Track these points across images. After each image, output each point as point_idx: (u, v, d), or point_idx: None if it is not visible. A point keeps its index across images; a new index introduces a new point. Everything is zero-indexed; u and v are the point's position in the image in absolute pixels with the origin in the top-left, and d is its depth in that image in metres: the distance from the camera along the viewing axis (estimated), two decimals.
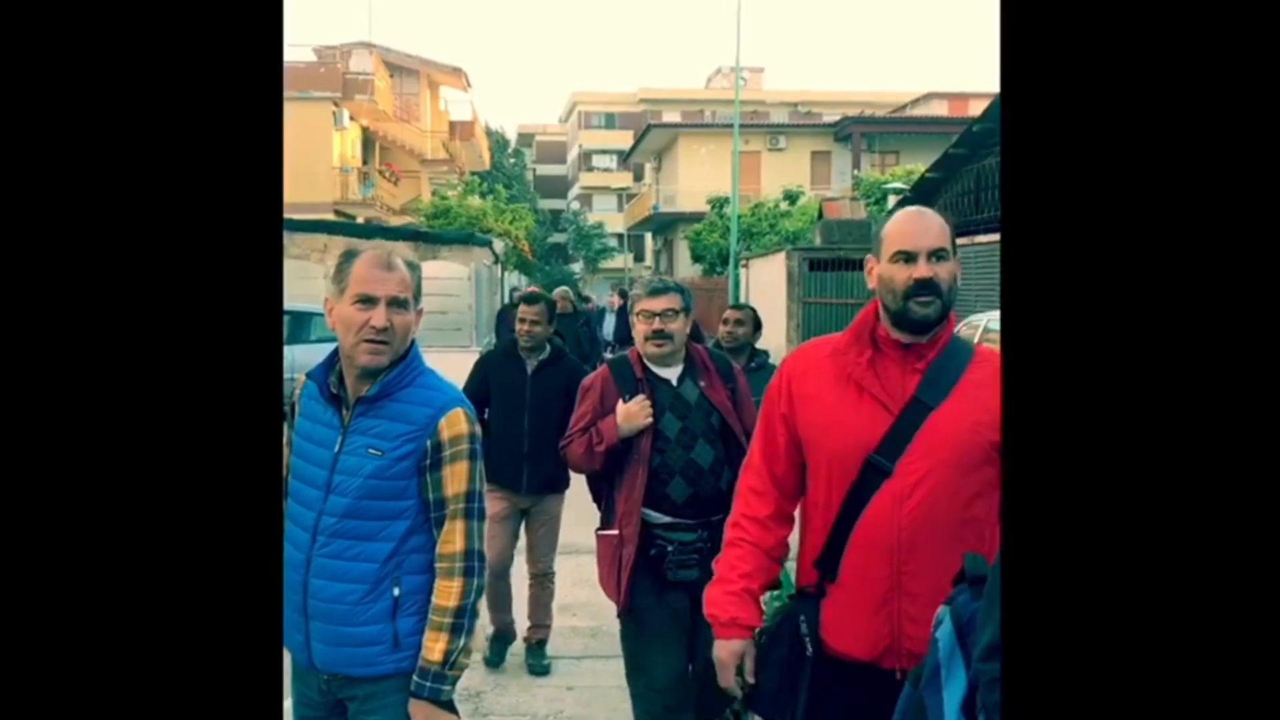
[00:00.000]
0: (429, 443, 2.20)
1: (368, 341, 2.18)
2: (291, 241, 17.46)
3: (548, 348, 4.74)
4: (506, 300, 10.08)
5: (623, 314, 14.72)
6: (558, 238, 54.63)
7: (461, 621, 2.18)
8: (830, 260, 15.95)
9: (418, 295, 2.30)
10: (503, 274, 21.06)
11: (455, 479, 2.21)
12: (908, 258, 2.06)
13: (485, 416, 4.67)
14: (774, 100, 45.96)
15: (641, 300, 3.32)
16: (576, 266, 52.80)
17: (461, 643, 2.18)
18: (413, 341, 2.31)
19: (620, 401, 3.27)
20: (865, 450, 2.05)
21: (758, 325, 5.22)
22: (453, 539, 2.20)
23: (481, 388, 4.72)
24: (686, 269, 31.98)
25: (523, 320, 4.68)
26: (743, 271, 20.39)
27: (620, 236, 49.68)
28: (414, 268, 2.32)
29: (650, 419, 3.21)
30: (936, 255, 2.06)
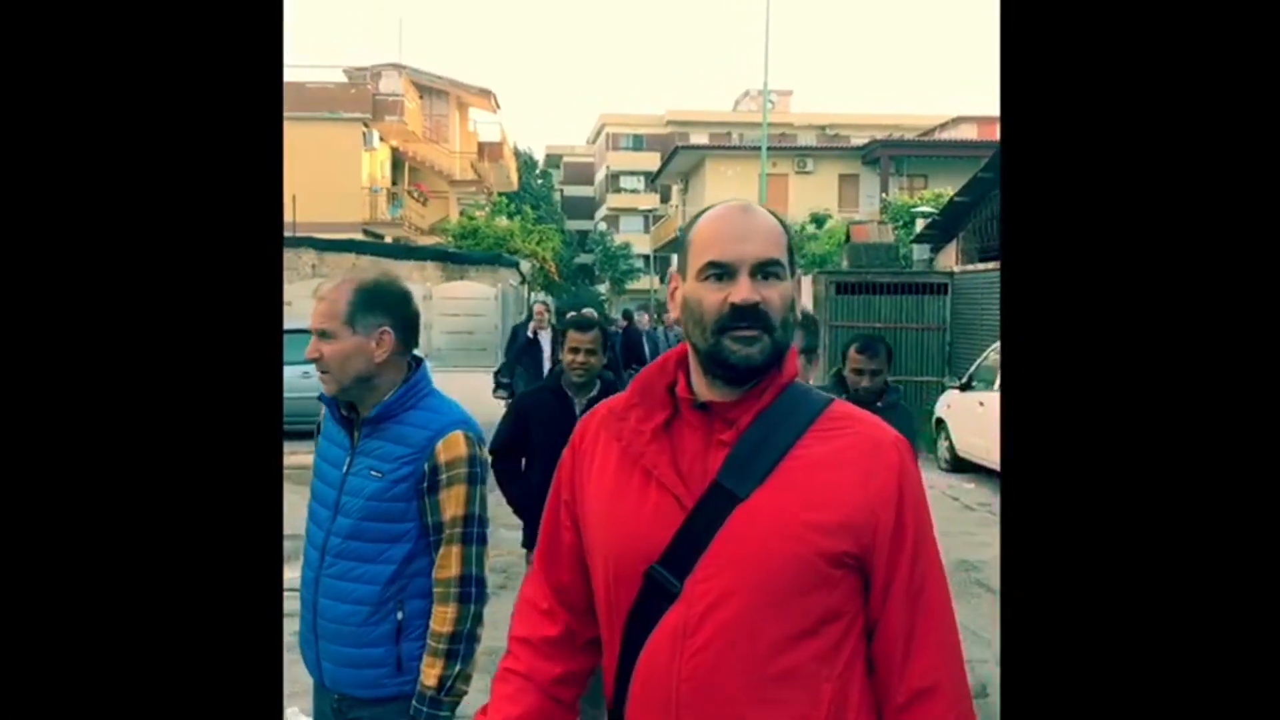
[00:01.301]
0: (426, 466, 2.19)
1: (320, 372, 2.23)
2: (321, 261, 17.59)
3: (598, 383, 4.02)
4: (524, 315, 9.80)
5: (651, 336, 14.75)
6: (584, 258, 54.88)
7: (457, 648, 2.17)
8: (858, 284, 15.88)
9: (354, 316, 2.20)
10: (529, 294, 21.14)
11: (452, 503, 2.18)
12: (722, 273, 1.42)
13: (525, 468, 4.06)
14: (802, 123, 46.02)
15: None
16: (602, 287, 52.95)
17: (458, 669, 2.17)
18: (419, 362, 2.31)
19: None
20: (647, 559, 1.42)
21: (889, 356, 4.13)
22: (448, 564, 2.19)
23: (519, 434, 4.02)
24: None
25: (575, 350, 3.92)
26: None
27: (646, 257, 49.82)
28: (363, 291, 2.23)
29: None
30: (764, 270, 1.42)
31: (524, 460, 4.05)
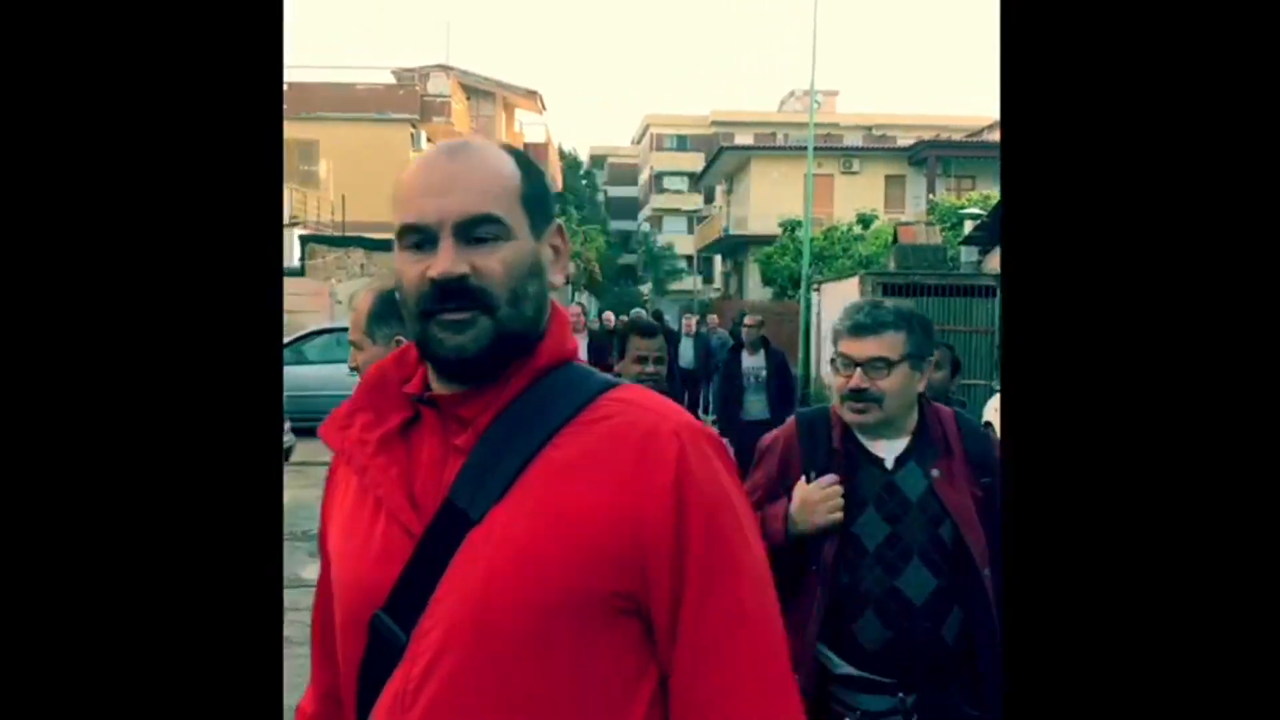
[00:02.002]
0: None
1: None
2: (370, 260, 17.76)
3: None
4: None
5: (700, 340, 14.33)
6: (628, 259, 54.89)
7: None
8: (905, 286, 15.72)
9: (373, 327, 2.28)
10: (573, 295, 21.18)
11: None
12: (421, 239, 1.10)
13: None
14: (848, 123, 45.68)
15: (842, 340, 2.23)
16: (645, 288, 52.96)
17: None
18: None
19: (803, 480, 2.20)
20: (372, 605, 1.10)
21: (956, 367, 3.85)
22: None
23: None
24: (757, 292, 31.84)
25: (642, 359, 3.39)
26: (814, 296, 20.22)
27: (690, 258, 49.72)
28: (379, 301, 2.30)
29: (838, 515, 2.12)
30: (473, 232, 1.08)
31: None
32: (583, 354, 8.61)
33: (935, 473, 2.16)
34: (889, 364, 2.16)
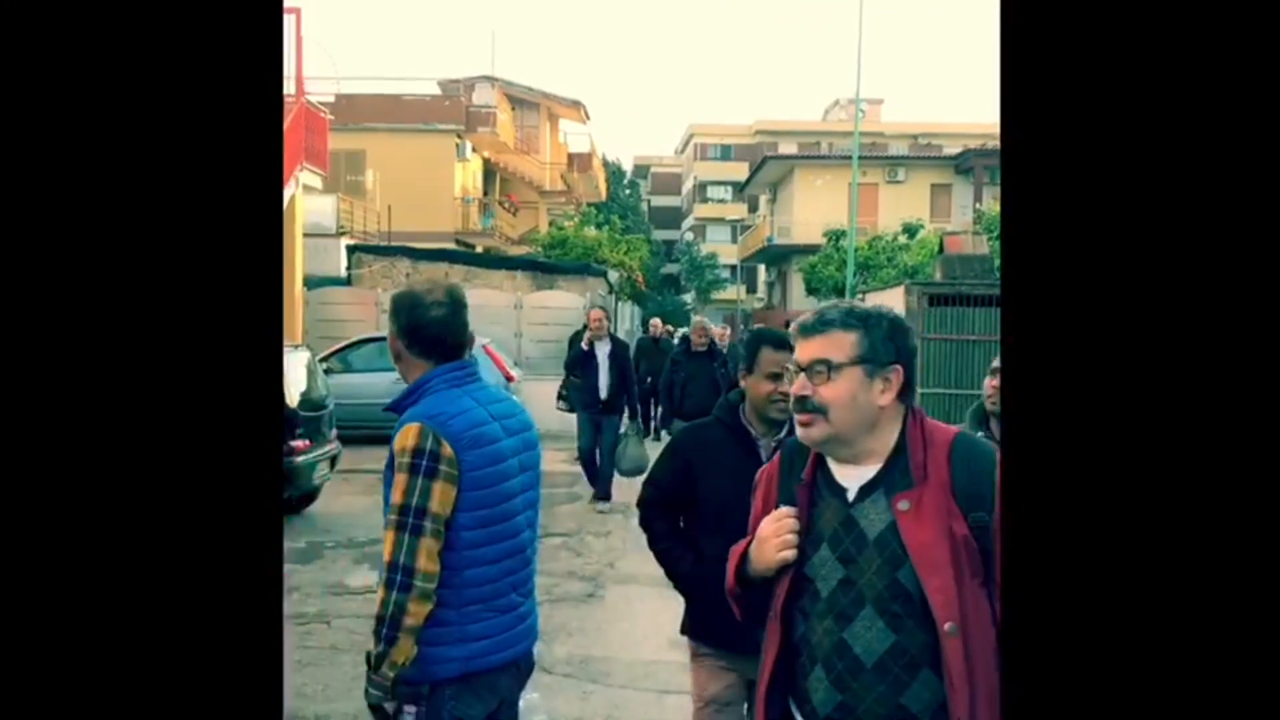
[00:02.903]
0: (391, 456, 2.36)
1: None
2: (415, 269, 17.93)
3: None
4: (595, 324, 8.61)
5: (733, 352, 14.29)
6: (671, 268, 54.92)
7: (381, 630, 2.25)
8: (952, 296, 15.55)
9: (390, 329, 2.50)
10: (617, 304, 21.21)
11: (396, 490, 2.29)
12: None
13: (688, 526, 3.07)
14: (893, 132, 45.38)
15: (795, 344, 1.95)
16: (688, 297, 52.94)
17: (384, 650, 2.24)
18: (431, 372, 2.45)
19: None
20: None
21: None
22: (386, 549, 2.29)
23: (679, 483, 3.00)
24: (800, 301, 31.68)
25: (774, 375, 2.86)
26: None
27: (733, 268, 49.64)
28: (390, 305, 2.53)
29: (787, 554, 1.84)
30: None
31: (684, 517, 3.07)
32: (603, 359, 8.33)
33: (902, 505, 1.77)
34: (830, 366, 1.82)
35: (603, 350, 9.42)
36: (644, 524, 3.12)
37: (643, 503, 3.13)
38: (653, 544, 3.09)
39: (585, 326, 9.77)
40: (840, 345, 1.84)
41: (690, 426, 3.22)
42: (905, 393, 1.87)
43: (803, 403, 1.84)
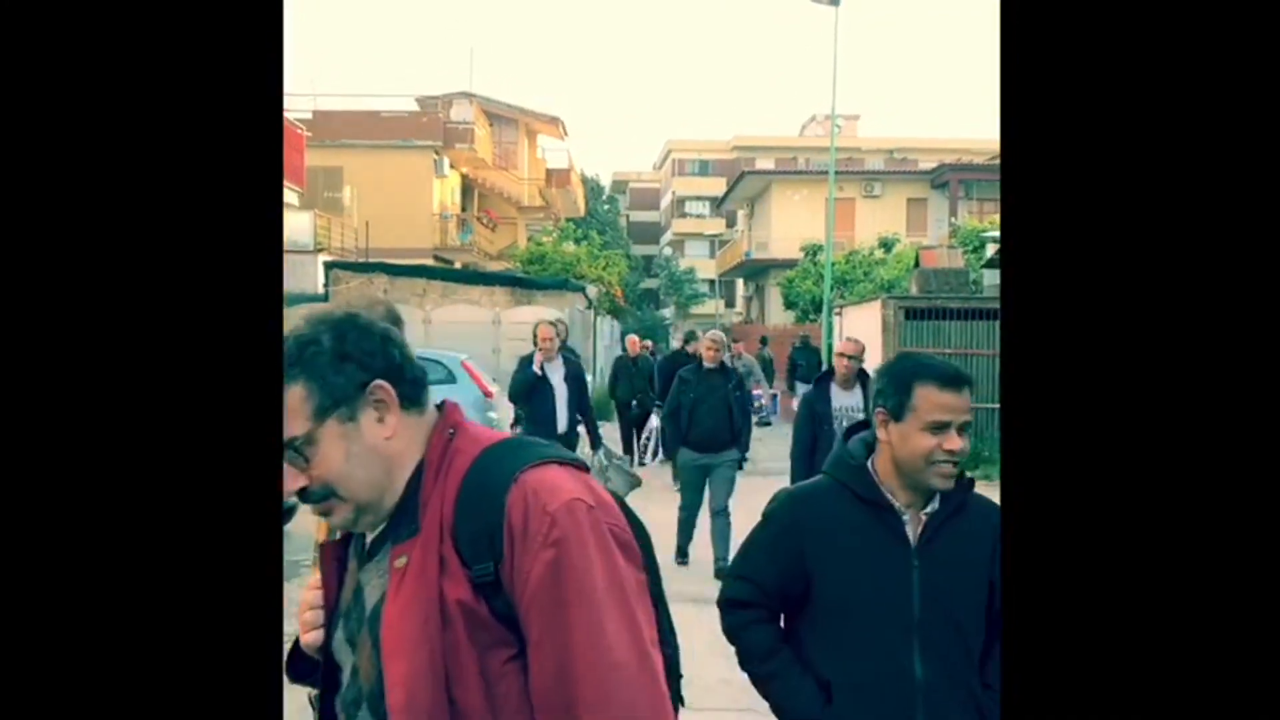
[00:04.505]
0: None
1: None
2: (393, 285, 17.89)
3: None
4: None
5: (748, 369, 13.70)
6: (649, 283, 54.99)
7: None
8: (928, 309, 15.66)
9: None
10: (595, 319, 21.21)
11: None
12: None
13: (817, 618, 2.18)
14: (869, 147, 45.67)
15: None
16: (667, 312, 53.01)
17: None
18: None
19: None
20: None
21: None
22: None
23: (794, 580, 2.15)
24: (779, 316, 31.80)
25: (943, 425, 2.12)
26: (836, 320, 20.17)
27: (712, 282, 49.74)
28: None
29: (311, 635, 1.48)
30: None
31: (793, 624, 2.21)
32: (558, 384, 6.93)
33: (400, 560, 1.30)
34: (301, 432, 1.31)
35: (556, 374, 7.59)
36: (732, 634, 2.22)
37: (729, 604, 2.22)
38: (750, 664, 2.19)
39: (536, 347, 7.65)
40: (291, 401, 1.32)
41: (798, 495, 2.27)
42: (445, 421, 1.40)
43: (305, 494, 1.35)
